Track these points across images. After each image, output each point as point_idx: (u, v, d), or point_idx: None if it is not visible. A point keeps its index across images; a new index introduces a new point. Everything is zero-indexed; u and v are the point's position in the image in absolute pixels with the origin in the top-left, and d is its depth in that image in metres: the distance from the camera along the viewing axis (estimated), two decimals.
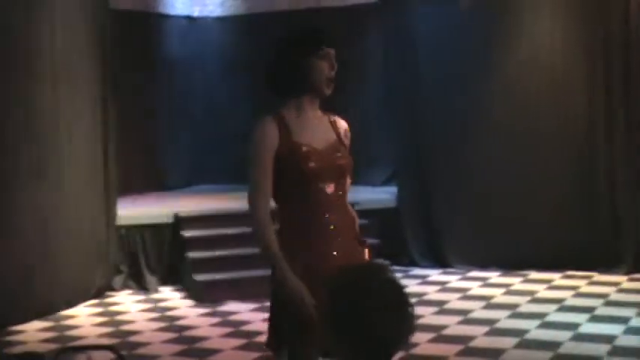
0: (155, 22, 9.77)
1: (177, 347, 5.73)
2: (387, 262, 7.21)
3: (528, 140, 7.90)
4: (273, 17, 9.75)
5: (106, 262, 7.40)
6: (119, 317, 6.63)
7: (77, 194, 7.03)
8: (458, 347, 5.46)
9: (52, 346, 5.73)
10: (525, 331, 5.78)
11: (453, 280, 7.68)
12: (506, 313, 6.33)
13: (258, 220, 2.96)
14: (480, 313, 6.37)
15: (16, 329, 6.24)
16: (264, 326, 6.15)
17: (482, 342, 5.60)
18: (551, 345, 5.44)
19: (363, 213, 3.26)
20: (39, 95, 6.64)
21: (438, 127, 8.23)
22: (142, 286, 7.57)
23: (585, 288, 7.10)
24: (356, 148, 3.25)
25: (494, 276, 7.72)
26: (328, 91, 3.06)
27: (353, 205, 3.20)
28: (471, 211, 8.12)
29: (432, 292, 7.17)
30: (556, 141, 7.82)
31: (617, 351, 5.28)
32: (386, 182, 9.34)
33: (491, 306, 6.61)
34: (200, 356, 5.50)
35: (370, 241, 3.34)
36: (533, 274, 7.66)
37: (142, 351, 5.67)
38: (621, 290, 6.98)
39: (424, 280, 7.70)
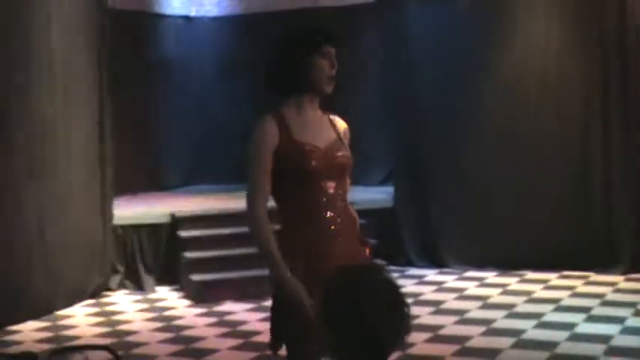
0: (152, 21, 9.77)
1: (174, 347, 5.73)
2: (383, 263, 7.22)
3: (524, 140, 7.90)
4: (271, 17, 9.75)
5: (102, 261, 7.40)
6: (116, 317, 6.63)
7: (74, 194, 7.03)
8: (454, 347, 5.47)
9: (49, 346, 5.73)
10: (522, 331, 5.79)
11: (450, 280, 7.68)
12: (502, 313, 6.34)
13: (255, 219, 2.95)
14: (477, 313, 6.38)
15: (12, 329, 6.24)
16: (261, 326, 6.20)
17: (478, 342, 5.60)
18: (547, 345, 5.44)
19: (360, 213, 3.24)
20: (37, 95, 6.64)
21: (435, 127, 8.24)
22: (138, 286, 7.56)
23: (582, 288, 7.11)
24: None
25: (490, 276, 7.73)
26: (329, 90, 3.05)
27: (352, 204, 3.20)
28: (468, 211, 8.12)
29: (429, 292, 7.18)
30: (552, 141, 7.83)
31: (613, 351, 5.29)
32: (382, 182, 9.35)
33: (487, 306, 6.61)
34: (197, 356, 5.50)
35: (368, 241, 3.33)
36: (530, 274, 7.67)
37: (138, 351, 5.67)
38: (618, 290, 6.99)
39: (421, 280, 7.70)
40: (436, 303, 6.74)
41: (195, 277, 7.23)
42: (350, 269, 2.00)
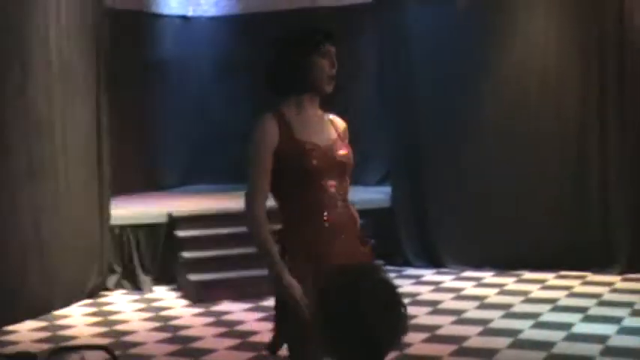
0: (149, 21, 9.76)
1: (171, 347, 5.73)
2: (380, 262, 7.22)
3: (523, 140, 7.91)
4: (268, 17, 9.74)
5: (100, 261, 7.39)
6: (113, 317, 6.63)
7: (71, 194, 7.02)
8: (451, 347, 5.47)
9: (46, 346, 5.72)
10: (519, 331, 5.79)
11: (447, 280, 7.69)
12: (499, 313, 6.34)
13: (254, 219, 2.95)
14: (474, 313, 6.38)
15: (9, 329, 6.23)
16: (258, 326, 6.20)
17: (475, 342, 5.61)
18: (544, 345, 5.45)
19: (358, 213, 3.25)
20: (34, 95, 6.63)
21: (433, 127, 8.24)
22: (136, 286, 7.56)
23: (579, 288, 7.12)
24: (351, 148, 3.25)
25: (488, 276, 7.73)
26: (329, 90, 3.05)
27: (353, 204, 3.19)
28: (465, 211, 8.13)
29: (426, 292, 7.18)
30: (549, 140, 7.84)
31: (610, 351, 5.30)
32: (380, 182, 9.34)
33: (484, 306, 6.62)
34: (194, 356, 5.50)
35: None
36: (527, 274, 7.68)
37: (136, 351, 5.67)
38: (615, 290, 7.00)
39: (418, 280, 7.71)
40: (433, 303, 6.75)
41: (193, 277, 7.23)
42: (348, 269, 2.00)
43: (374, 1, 8.77)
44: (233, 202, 6.93)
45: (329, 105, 3.20)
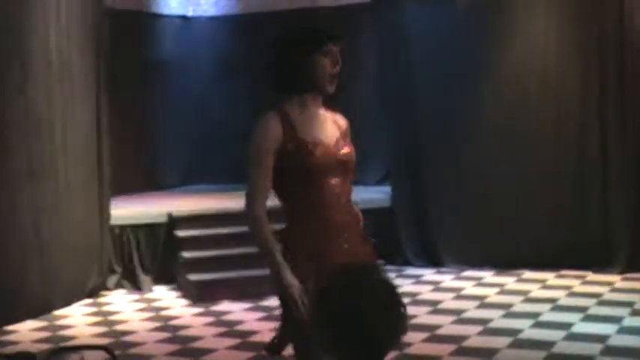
0: (149, 21, 9.76)
1: (171, 347, 5.73)
2: (380, 262, 7.21)
3: (522, 140, 7.91)
4: (268, 17, 9.75)
5: (100, 261, 7.39)
6: (113, 317, 6.63)
7: (71, 194, 7.03)
8: (451, 347, 5.47)
9: (46, 346, 5.73)
10: (519, 331, 5.80)
11: (447, 279, 7.69)
12: (499, 312, 6.34)
13: (255, 219, 2.94)
14: (474, 313, 6.38)
15: (9, 329, 6.23)
16: (258, 326, 6.21)
17: (475, 342, 5.61)
18: (544, 344, 5.45)
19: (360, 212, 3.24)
20: (34, 95, 6.63)
21: (433, 126, 8.24)
22: (136, 286, 7.56)
23: (579, 287, 7.12)
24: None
25: (488, 275, 7.73)
26: (331, 89, 3.04)
27: (356, 203, 3.19)
28: (465, 210, 8.13)
29: (426, 292, 7.18)
30: (549, 140, 7.84)
31: (610, 350, 5.30)
32: (380, 182, 9.35)
33: (484, 305, 6.62)
34: (194, 356, 5.50)
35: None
36: (527, 274, 7.68)
37: (135, 351, 5.67)
38: (615, 290, 7.00)
39: (418, 280, 7.71)
40: (433, 303, 6.75)
41: (193, 277, 7.23)
42: (349, 268, 2.01)
43: (373, 1, 8.78)
44: (233, 202, 6.93)
45: (329, 104, 3.20)
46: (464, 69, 8.06)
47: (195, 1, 10.27)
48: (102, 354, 5.27)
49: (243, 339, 5.86)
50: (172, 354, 5.58)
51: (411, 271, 8.09)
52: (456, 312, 6.40)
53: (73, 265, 7.02)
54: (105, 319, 6.57)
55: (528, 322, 6.03)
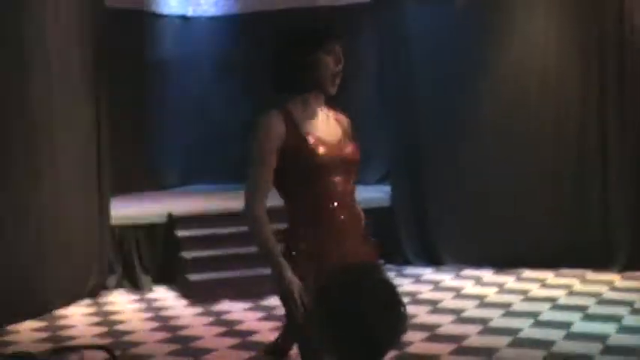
0: (149, 21, 9.76)
1: (171, 347, 5.73)
2: (380, 262, 7.22)
3: (521, 139, 7.91)
4: (268, 17, 9.75)
5: (99, 261, 7.39)
6: (113, 317, 6.63)
7: (71, 194, 7.03)
8: (451, 346, 5.47)
9: (46, 345, 5.73)
10: (518, 330, 5.80)
11: (447, 278, 7.69)
12: (499, 311, 6.35)
13: (255, 219, 2.92)
14: (474, 312, 6.39)
15: (9, 329, 6.23)
16: (258, 325, 6.21)
17: (475, 341, 5.61)
18: (544, 343, 5.45)
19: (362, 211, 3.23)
20: (33, 96, 6.63)
21: (432, 126, 8.24)
22: (136, 286, 7.56)
23: (578, 286, 7.12)
24: None
25: (487, 275, 7.73)
26: (333, 90, 3.02)
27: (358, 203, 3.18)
28: (465, 210, 8.13)
29: (426, 291, 7.19)
30: (549, 140, 7.84)
31: (609, 350, 5.30)
32: (380, 181, 9.35)
33: (484, 305, 6.62)
34: (194, 355, 5.50)
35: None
36: (527, 273, 7.68)
37: (135, 350, 5.67)
38: (614, 289, 7.00)
39: (417, 279, 7.71)
40: (433, 302, 6.75)
41: (193, 277, 7.23)
42: (349, 268, 2.01)
43: (372, 0, 8.78)
44: (233, 202, 6.93)
45: (329, 103, 3.19)
46: (463, 68, 8.06)
47: (195, 0, 10.27)
48: (102, 354, 5.28)
49: (242, 338, 5.86)
50: (172, 354, 5.58)
51: (411, 270, 8.09)
52: (456, 311, 6.41)
53: (73, 265, 7.02)
54: (105, 319, 6.57)
55: (528, 321, 6.03)
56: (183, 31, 10.12)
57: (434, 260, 8.22)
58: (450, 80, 8.13)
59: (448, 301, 6.81)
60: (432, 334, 5.79)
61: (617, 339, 5.53)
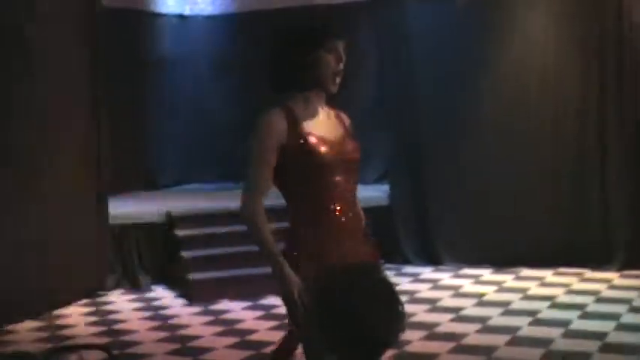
0: (146, 20, 9.75)
1: (170, 346, 5.73)
2: (379, 261, 7.22)
3: (521, 138, 7.92)
4: (265, 16, 9.74)
5: (99, 261, 7.39)
6: (112, 316, 6.63)
7: (69, 194, 7.03)
8: (450, 345, 5.48)
9: (46, 345, 5.73)
10: (517, 329, 5.80)
11: (445, 277, 7.69)
12: (498, 310, 6.35)
13: (253, 217, 2.90)
14: (472, 311, 6.39)
15: (8, 329, 6.23)
16: (257, 324, 6.21)
17: (474, 339, 5.61)
18: (542, 342, 5.46)
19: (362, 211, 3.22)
20: (30, 95, 6.63)
21: (433, 124, 8.24)
22: (134, 286, 7.56)
23: (577, 285, 7.13)
24: None
25: (486, 273, 7.74)
26: (334, 88, 2.99)
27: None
28: (463, 209, 8.14)
29: (425, 290, 7.19)
30: (548, 138, 7.85)
31: (608, 348, 5.31)
32: (378, 180, 9.35)
33: (483, 303, 6.62)
34: (193, 355, 5.50)
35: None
36: (525, 272, 7.69)
37: (134, 350, 5.67)
38: (613, 287, 7.01)
39: (416, 278, 7.71)
40: (432, 301, 6.76)
41: (191, 276, 7.23)
42: (348, 268, 2.01)
43: None
44: (232, 201, 6.92)
45: (329, 102, 3.18)
46: (464, 67, 8.06)
47: None
48: (101, 353, 5.28)
49: (242, 338, 5.86)
50: (171, 353, 5.58)
51: (410, 269, 8.09)
52: (455, 310, 6.41)
53: (73, 265, 7.02)
54: (104, 318, 6.57)
55: (527, 319, 6.04)
56: (180, 30, 10.11)
57: (433, 259, 8.22)
58: (450, 78, 8.13)
59: (447, 299, 6.82)
60: (431, 332, 5.79)
61: (616, 337, 5.53)
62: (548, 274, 7.52)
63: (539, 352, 5.26)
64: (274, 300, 6.66)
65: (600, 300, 6.57)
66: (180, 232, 7.65)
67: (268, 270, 2.93)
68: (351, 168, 3.02)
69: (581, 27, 7.75)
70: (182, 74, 10.00)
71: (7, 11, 6.43)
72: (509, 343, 5.48)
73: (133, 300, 7.19)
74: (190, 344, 5.76)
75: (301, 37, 2.98)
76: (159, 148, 9.84)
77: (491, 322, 6.02)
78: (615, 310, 6.21)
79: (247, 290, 7.00)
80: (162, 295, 7.38)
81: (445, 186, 8.19)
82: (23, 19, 6.56)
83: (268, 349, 5.50)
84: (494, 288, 7.14)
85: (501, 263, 7.87)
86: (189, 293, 7.15)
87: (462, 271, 7.90)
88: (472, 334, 5.72)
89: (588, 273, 7.51)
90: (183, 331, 6.11)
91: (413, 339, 5.54)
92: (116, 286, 7.55)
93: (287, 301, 2.88)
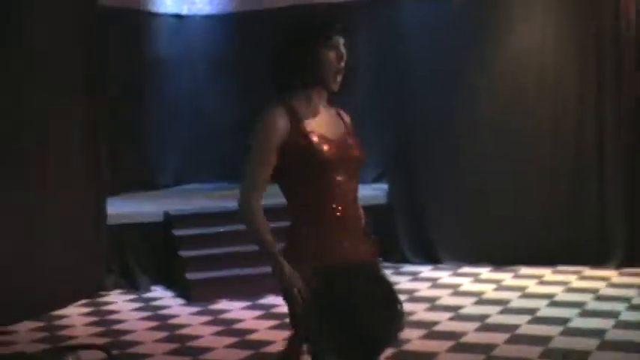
0: (143, 20, 9.74)
1: (169, 346, 5.73)
2: (378, 260, 7.23)
3: (519, 137, 7.92)
4: (263, 15, 9.74)
5: (97, 261, 7.39)
6: (111, 317, 6.63)
7: (68, 194, 7.02)
8: (449, 343, 5.48)
9: (44, 346, 5.72)
10: (516, 327, 5.81)
11: (444, 276, 7.70)
12: (497, 308, 6.35)
13: (252, 217, 2.90)
14: (471, 309, 6.40)
15: (7, 329, 6.23)
16: (256, 324, 6.21)
17: (473, 338, 5.62)
18: (541, 340, 5.46)
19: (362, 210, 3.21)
20: (27, 95, 6.63)
21: (429, 123, 8.24)
22: (133, 286, 7.55)
23: (576, 283, 7.13)
24: None
25: (485, 272, 7.75)
26: (335, 85, 2.99)
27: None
28: (462, 207, 8.14)
29: (423, 289, 7.19)
30: (546, 137, 7.85)
31: (607, 345, 5.31)
32: (377, 179, 9.35)
33: (482, 302, 6.63)
34: (192, 355, 5.50)
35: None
36: (524, 270, 7.69)
37: (133, 350, 5.67)
38: (611, 285, 7.01)
39: (415, 277, 7.72)
40: (431, 299, 6.76)
41: (190, 276, 7.23)
42: (346, 266, 2.01)
43: None
44: (230, 201, 6.92)
45: (329, 101, 3.17)
46: (461, 65, 8.06)
47: None
48: (100, 353, 5.27)
49: (241, 337, 5.86)
50: (170, 353, 5.58)
51: (409, 268, 8.10)
52: (454, 308, 6.41)
53: (71, 266, 7.01)
54: (103, 318, 6.57)
55: (525, 317, 6.04)
56: (177, 29, 10.10)
57: (431, 258, 8.22)
58: (447, 77, 8.13)
59: (446, 298, 6.82)
60: (430, 331, 5.79)
61: (615, 334, 5.54)
62: (547, 272, 7.52)
63: (538, 350, 5.26)
64: (273, 299, 6.66)
65: (599, 298, 6.58)
66: (178, 232, 7.64)
67: (267, 269, 2.93)
68: (353, 167, 3.01)
69: (578, 26, 7.75)
70: (180, 74, 9.99)
71: (6, 11, 6.41)
72: (509, 342, 5.48)
73: (132, 300, 7.19)
74: (189, 344, 5.76)
75: (301, 37, 2.97)
76: (157, 148, 9.82)
77: (490, 321, 6.02)
78: (614, 307, 6.21)
79: (246, 290, 7.00)
80: (161, 295, 7.38)
81: (443, 184, 8.20)
82: (21, 19, 6.55)
83: (268, 349, 5.51)
84: (493, 286, 7.15)
85: (500, 261, 7.88)
86: (188, 293, 7.14)
87: (460, 269, 7.91)
88: (471, 333, 5.72)
89: (587, 271, 7.52)
90: (182, 331, 6.11)
91: (412, 337, 5.54)
92: (115, 287, 7.55)
93: (288, 299, 2.87)
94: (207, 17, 10.31)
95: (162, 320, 6.45)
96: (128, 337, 5.99)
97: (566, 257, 7.70)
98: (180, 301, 7.10)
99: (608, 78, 7.63)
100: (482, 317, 6.10)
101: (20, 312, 6.46)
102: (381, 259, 7.51)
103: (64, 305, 6.89)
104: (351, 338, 1.86)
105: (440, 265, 8.10)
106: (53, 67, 6.89)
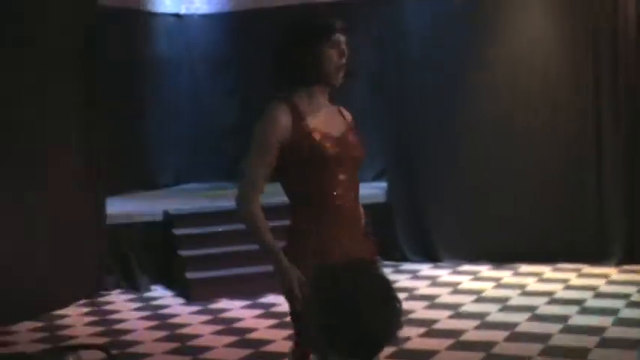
0: (142, 19, 9.74)
1: (169, 345, 5.73)
2: (377, 258, 7.23)
3: (517, 134, 7.92)
4: (261, 14, 9.73)
5: (97, 261, 7.39)
6: (111, 316, 6.63)
7: (67, 194, 7.02)
8: (448, 341, 5.48)
9: (44, 346, 5.73)
10: (516, 324, 5.81)
11: (444, 274, 7.70)
12: (496, 306, 6.36)
13: (251, 216, 2.90)
14: (471, 307, 6.40)
15: (7, 330, 6.23)
16: (256, 323, 6.22)
17: (472, 336, 5.62)
18: (541, 337, 5.47)
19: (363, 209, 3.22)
20: (26, 95, 6.63)
21: (429, 123, 8.23)
22: (133, 285, 7.55)
23: (575, 280, 7.14)
24: None
25: (484, 270, 7.75)
26: (337, 82, 2.99)
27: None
28: (461, 205, 8.14)
29: (423, 287, 7.20)
30: (544, 133, 7.85)
31: (606, 342, 5.32)
32: (376, 178, 9.35)
33: (481, 300, 6.63)
34: (192, 354, 5.51)
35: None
36: (523, 267, 7.69)
37: (134, 350, 5.67)
38: (611, 282, 7.01)
39: (415, 275, 7.72)
40: (430, 297, 6.76)
41: (190, 275, 7.23)
42: (345, 265, 2.01)
43: None
44: (229, 200, 6.92)
45: (330, 99, 3.17)
46: (461, 65, 8.05)
47: None
48: (100, 353, 5.28)
49: (241, 336, 5.87)
50: (170, 352, 5.59)
51: (408, 266, 8.10)
52: (453, 306, 6.42)
53: (71, 265, 7.02)
54: (103, 318, 6.57)
55: (525, 315, 6.04)
56: (176, 29, 10.10)
57: (431, 256, 8.22)
58: (448, 77, 8.11)
59: (445, 296, 6.82)
60: (430, 329, 5.80)
61: (614, 332, 5.54)
62: (546, 270, 7.53)
63: (537, 347, 5.27)
64: (273, 298, 6.67)
65: (599, 295, 6.58)
66: (178, 231, 7.65)
67: (267, 268, 2.93)
68: (354, 165, 3.01)
69: (576, 20, 7.72)
70: (178, 73, 10.00)
71: (6, 11, 6.41)
72: (508, 339, 5.49)
73: (132, 300, 7.20)
74: (189, 343, 5.77)
75: (303, 35, 2.97)
76: (156, 147, 9.83)
77: (489, 319, 6.03)
78: (614, 305, 6.22)
79: (246, 289, 7.00)
80: (161, 294, 7.38)
81: (443, 183, 8.20)
82: (20, 19, 6.55)
83: (267, 348, 5.51)
84: (493, 284, 7.15)
85: (500, 259, 7.88)
86: (188, 292, 7.15)
87: (460, 267, 7.91)
88: (471, 331, 5.73)
89: (586, 268, 7.52)
90: (182, 331, 6.11)
91: (412, 336, 5.55)
92: (115, 286, 7.55)
93: (288, 296, 2.87)
94: (206, 16, 10.31)
95: (162, 320, 6.46)
96: (128, 337, 5.99)
97: (565, 255, 7.70)
98: (180, 300, 7.10)
99: (605, 72, 7.62)
100: (481, 315, 6.10)
101: (20, 312, 6.47)
102: (380, 257, 7.49)
103: (64, 305, 6.90)
104: (350, 336, 1.86)
105: (439, 264, 8.10)
106: (53, 66, 6.88)
